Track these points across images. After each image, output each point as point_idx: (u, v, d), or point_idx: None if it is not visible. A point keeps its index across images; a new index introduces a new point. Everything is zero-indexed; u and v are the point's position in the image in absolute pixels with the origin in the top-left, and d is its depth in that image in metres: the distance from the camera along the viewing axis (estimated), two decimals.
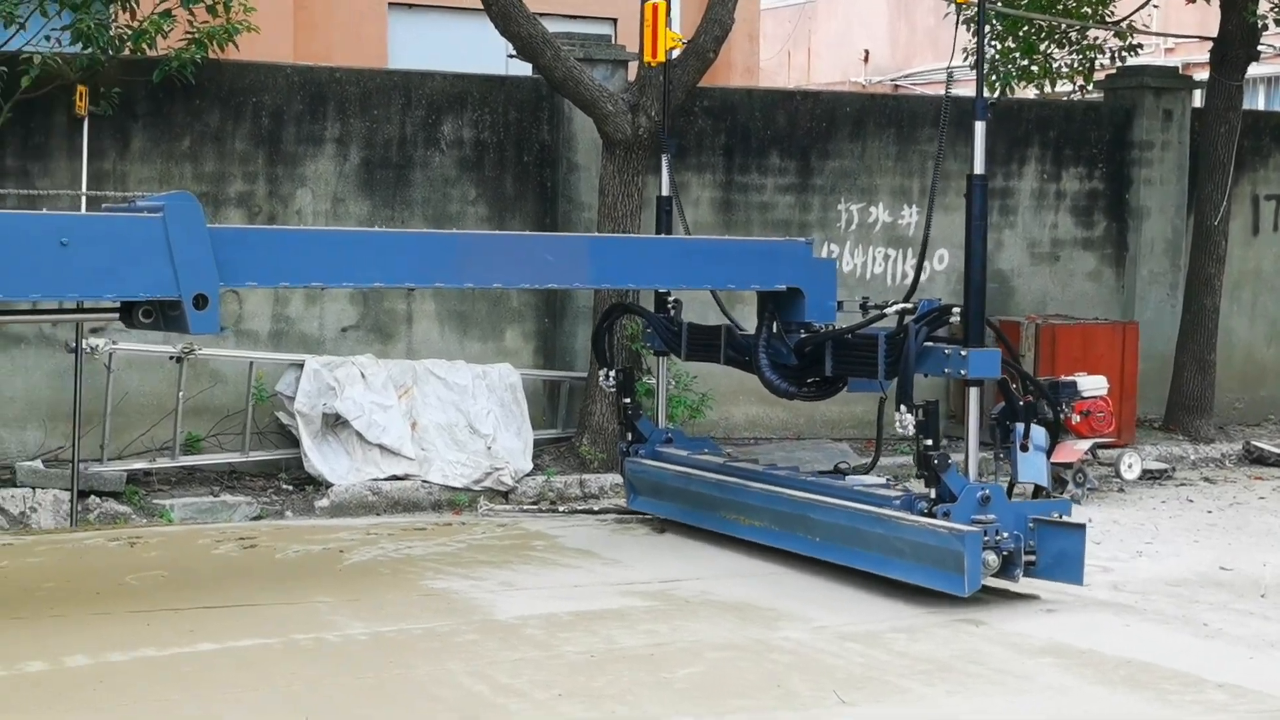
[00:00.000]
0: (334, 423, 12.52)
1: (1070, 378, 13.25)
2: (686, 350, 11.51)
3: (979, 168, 9.41)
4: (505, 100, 13.96)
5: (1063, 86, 17.57)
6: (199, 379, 12.73)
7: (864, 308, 10.59)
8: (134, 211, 8.39)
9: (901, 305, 10.12)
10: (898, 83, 30.32)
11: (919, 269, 10.43)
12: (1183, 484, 14.04)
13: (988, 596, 9.42)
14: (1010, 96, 16.86)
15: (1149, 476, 13.99)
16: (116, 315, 8.54)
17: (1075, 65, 17.02)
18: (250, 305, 13.06)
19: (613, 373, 11.68)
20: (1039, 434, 9.79)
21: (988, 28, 17.21)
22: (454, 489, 12.48)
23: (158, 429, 12.60)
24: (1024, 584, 9.47)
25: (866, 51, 31.98)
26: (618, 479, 12.35)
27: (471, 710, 7.23)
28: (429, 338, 13.66)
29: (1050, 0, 16.07)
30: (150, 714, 7.13)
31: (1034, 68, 16.92)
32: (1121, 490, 13.52)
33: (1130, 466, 13.58)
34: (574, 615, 8.92)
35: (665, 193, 11.85)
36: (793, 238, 12.10)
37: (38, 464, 11.90)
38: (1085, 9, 16.50)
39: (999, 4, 16.81)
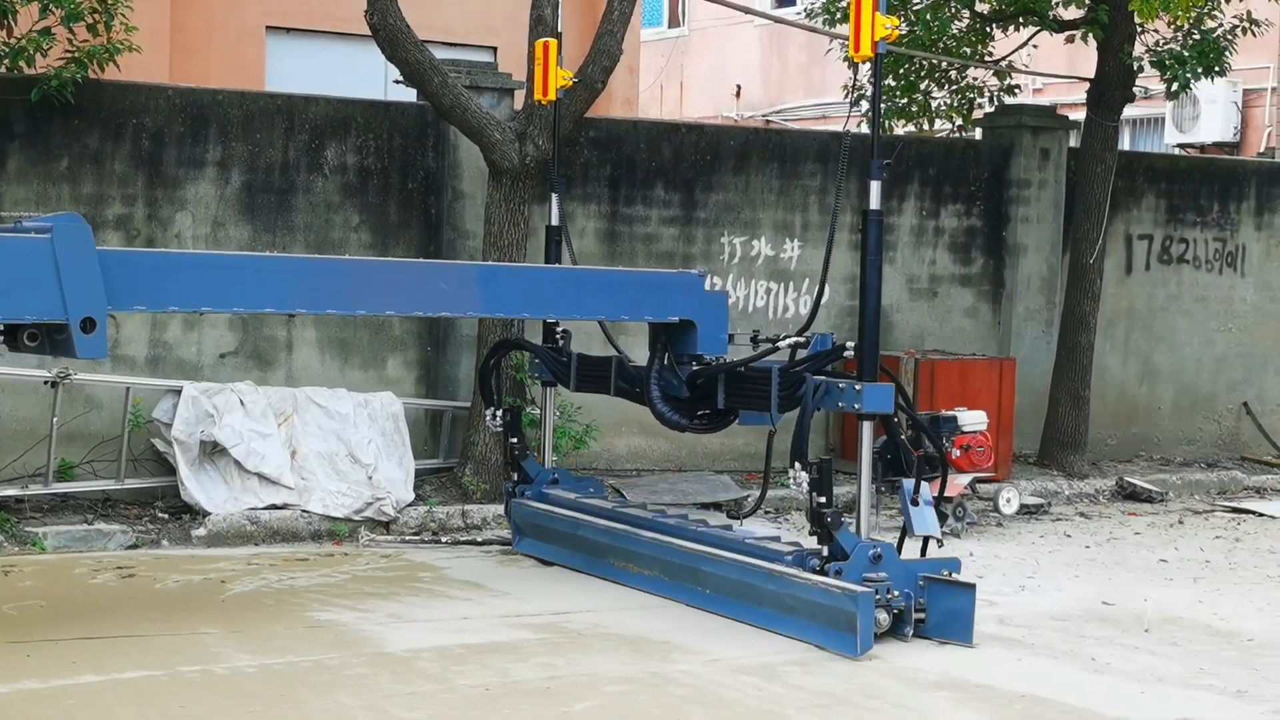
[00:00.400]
0: (212, 450, 12.29)
1: (951, 412, 13.33)
2: (576, 381, 11.44)
3: (875, 203, 9.40)
4: (390, 126, 13.83)
5: (940, 125, 17.75)
6: (74, 404, 12.45)
7: (755, 340, 10.60)
8: (21, 232, 8.20)
9: (794, 339, 10.10)
10: (769, 118, 30.47)
11: (816, 303, 10.36)
12: (1059, 519, 14.17)
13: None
14: (889, 134, 16.99)
15: (1026, 511, 14.11)
16: (0, 339, 8.32)
17: (954, 104, 17.19)
18: (128, 330, 12.80)
19: (499, 412, 11.58)
20: (925, 486, 9.74)
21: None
22: (335, 519, 12.29)
23: (30, 455, 12.29)
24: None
25: (739, 86, 32.11)
26: (500, 510, 12.23)
27: None
28: (309, 365, 13.47)
29: (930, 39, 16.22)
30: None
31: (913, 107, 17.06)
32: (1000, 525, 13.61)
33: (1009, 501, 13.69)
34: (466, 648, 8.82)
35: (554, 222, 11.80)
36: (683, 269, 12.04)
37: None
38: (965, 49, 16.67)
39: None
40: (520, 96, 13.59)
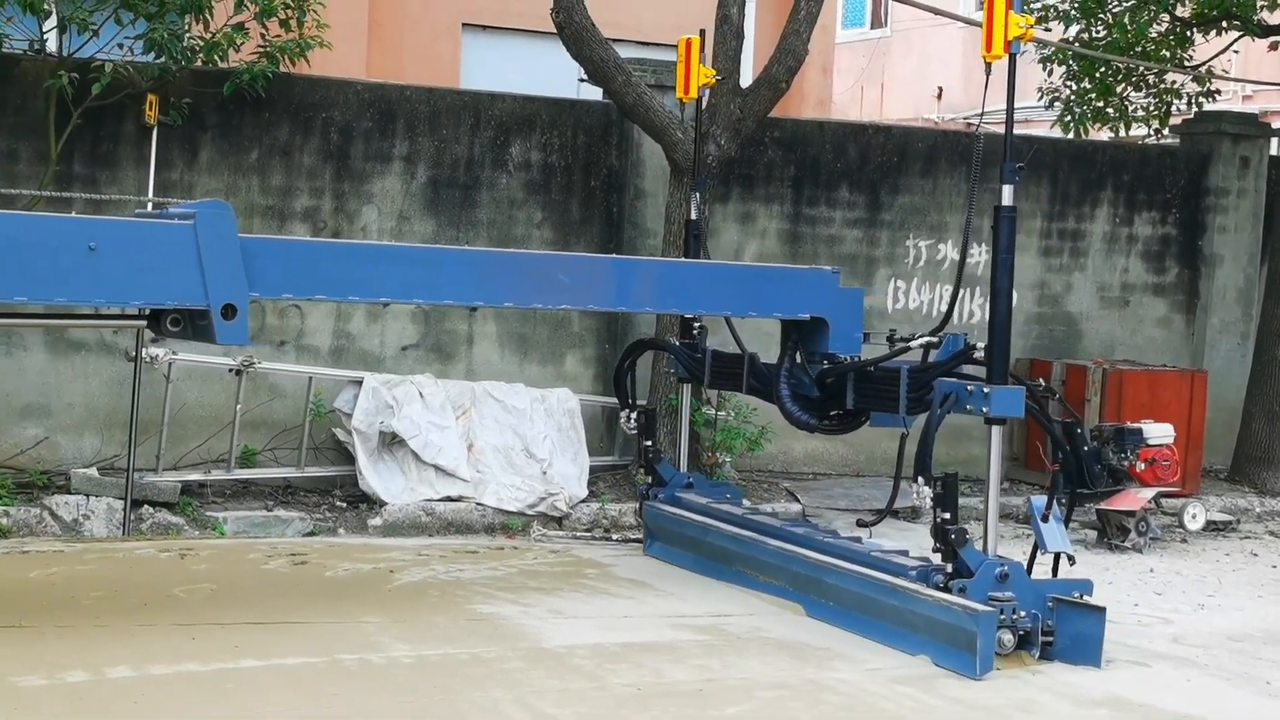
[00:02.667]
0: (390, 441, 12.45)
1: (1136, 424, 13.06)
2: (710, 378, 11.24)
3: (1007, 200, 9.06)
4: (574, 124, 13.90)
5: (1137, 130, 17.40)
6: (258, 392, 12.69)
7: (890, 340, 10.28)
8: (165, 218, 8.30)
9: (927, 339, 9.81)
10: (971, 120, 30.10)
11: (952, 302, 9.90)
12: (1247, 537, 13.79)
13: None
14: (1084, 138, 16.70)
15: (1213, 528, 13.76)
16: (145, 322, 8.46)
17: (1151, 109, 16.83)
18: (312, 321, 13.02)
19: (633, 414, 11.50)
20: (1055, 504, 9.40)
21: (1063, 69, 17.09)
22: (508, 512, 12.38)
23: (214, 441, 12.56)
24: None
25: (940, 88, 31.79)
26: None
27: None
28: (489, 359, 13.58)
29: (1128, 43, 15.89)
30: None
31: (1109, 110, 16.75)
32: (1184, 541, 13.29)
33: (1194, 517, 13.36)
34: (623, 646, 8.81)
35: (694, 216, 11.64)
36: (819, 266, 11.64)
37: (93, 471, 11.86)
38: (1164, 52, 16.32)
39: (1076, 45, 16.69)
40: (704, 95, 13.55)
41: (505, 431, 12.89)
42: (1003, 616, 8.67)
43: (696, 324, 11.44)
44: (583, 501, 12.74)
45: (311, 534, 11.78)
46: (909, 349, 9.96)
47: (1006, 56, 8.94)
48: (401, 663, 8.25)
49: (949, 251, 15.11)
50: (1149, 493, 12.86)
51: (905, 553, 9.65)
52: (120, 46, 12.17)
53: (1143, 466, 12.89)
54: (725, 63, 12.92)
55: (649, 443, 11.58)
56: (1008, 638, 8.71)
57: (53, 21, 12.34)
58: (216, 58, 12.32)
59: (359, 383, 12.57)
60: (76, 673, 7.72)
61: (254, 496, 12.39)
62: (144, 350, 11.66)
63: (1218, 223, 16.13)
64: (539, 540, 12.05)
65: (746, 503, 11.84)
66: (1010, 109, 9.12)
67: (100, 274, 7.85)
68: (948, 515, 8.86)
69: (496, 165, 13.60)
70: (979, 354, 9.12)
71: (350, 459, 12.58)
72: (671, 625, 9.40)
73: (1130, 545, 12.66)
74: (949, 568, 8.86)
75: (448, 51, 18.32)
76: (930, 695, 8.16)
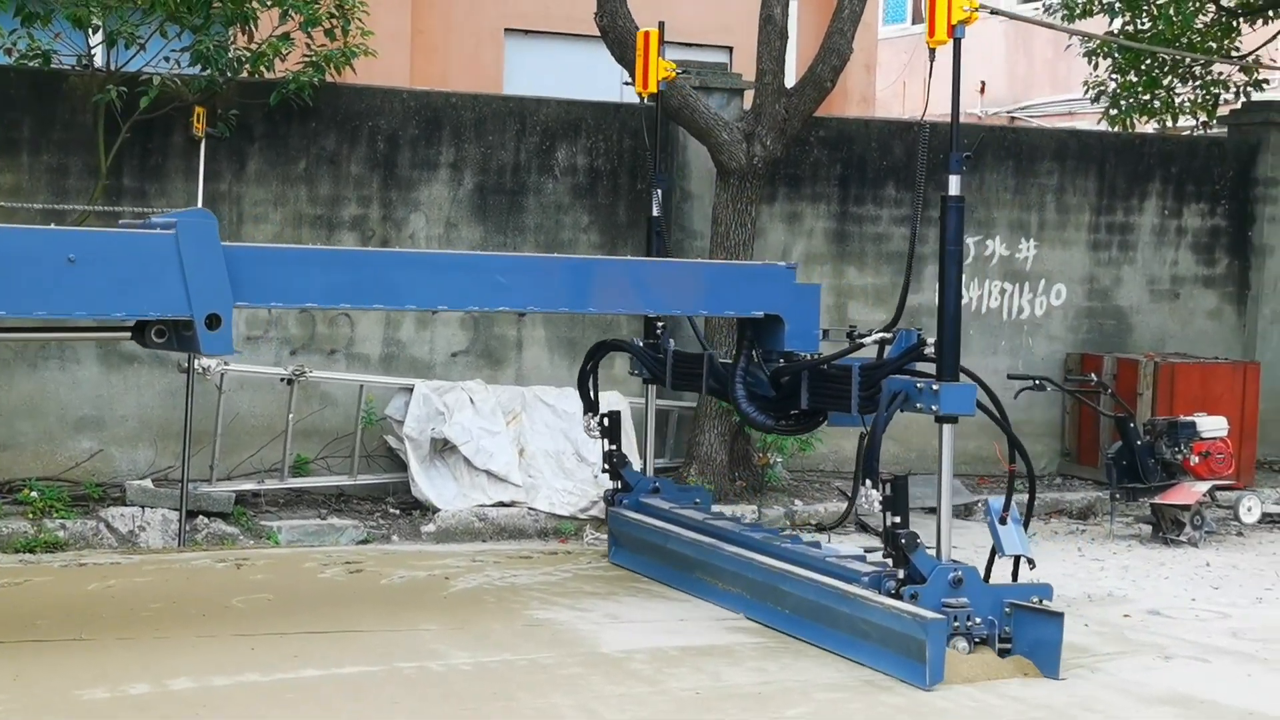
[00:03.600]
0: (442, 448, 12.48)
1: (1189, 418, 13.01)
2: (671, 379, 10.98)
3: (954, 190, 8.69)
4: (620, 128, 13.90)
5: (1185, 122, 17.31)
6: (309, 401, 12.74)
7: (850, 336, 9.84)
8: (147, 228, 8.16)
9: (881, 334, 9.46)
10: (1014, 115, 29.98)
11: (904, 294, 9.43)
12: None
13: (1102, 642, 9.23)
14: (1131, 131, 16.62)
15: (1269, 521, 13.67)
16: (129, 335, 8.31)
17: (1198, 100, 16.74)
18: (362, 329, 13.06)
19: (596, 418, 11.27)
20: (1014, 504, 8.99)
21: (1109, 62, 17.01)
22: (560, 517, 12.39)
23: (267, 450, 12.62)
24: (1140, 628, 9.23)
25: (983, 83, 31.64)
26: (726, 509, 12.18)
27: None
28: (538, 364, 13.60)
29: (1174, 34, 15.80)
30: None
31: (1155, 102, 16.66)
32: (1240, 534, 13.22)
33: (1249, 510, 13.28)
34: (681, 650, 8.81)
35: (654, 213, 11.44)
36: (781, 263, 11.08)
37: (147, 483, 11.93)
38: (1210, 43, 16.22)
39: (1121, 37, 16.60)
40: (749, 97, 13.54)
41: (556, 436, 12.90)
42: (956, 624, 8.37)
43: (660, 323, 11.17)
44: None
45: (365, 541, 11.82)
46: (862, 345, 9.59)
47: (951, 41, 8.70)
48: (460, 670, 8.27)
49: (997, 248, 15.06)
50: (1203, 486, 12.80)
51: (862, 558, 9.23)
52: (167, 59, 12.23)
53: (1196, 460, 12.85)
54: (769, 63, 12.91)
55: (614, 447, 11.26)
56: (963, 645, 8.38)
57: (100, 36, 12.43)
58: (262, 68, 12.37)
59: (410, 390, 12.61)
60: (139, 685, 7.76)
61: (307, 505, 12.44)
62: (196, 362, 11.72)
63: (1268, 213, 16.03)
64: (592, 544, 12.05)
65: (733, 510, 11.62)
66: (956, 94, 8.75)
67: (80, 286, 7.68)
68: (898, 519, 8.49)
69: (542, 170, 13.62)
70: (929, 349, 8.79)
71: (402, 466, 12.62)
72: (727, 628, 9.40)
73: (1185, 539, 12.60)
74: (900, 573, 8.51)
75: (491, 57, 18.35)
76: (989, 694, 8.13)
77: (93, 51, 12.52)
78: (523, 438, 12.76)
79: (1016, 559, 9.05)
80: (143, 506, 11.58)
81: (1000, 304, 15.15)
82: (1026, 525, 9.02)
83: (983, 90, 31.63)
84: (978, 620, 8.46)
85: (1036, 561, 9.24)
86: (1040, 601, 8.58)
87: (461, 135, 13.36)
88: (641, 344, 11.33)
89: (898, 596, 8.44)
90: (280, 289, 8.54)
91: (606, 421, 11.29)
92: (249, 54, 12.35)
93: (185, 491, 11.59)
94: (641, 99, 11.98)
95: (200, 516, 11.66)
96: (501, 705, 7.68)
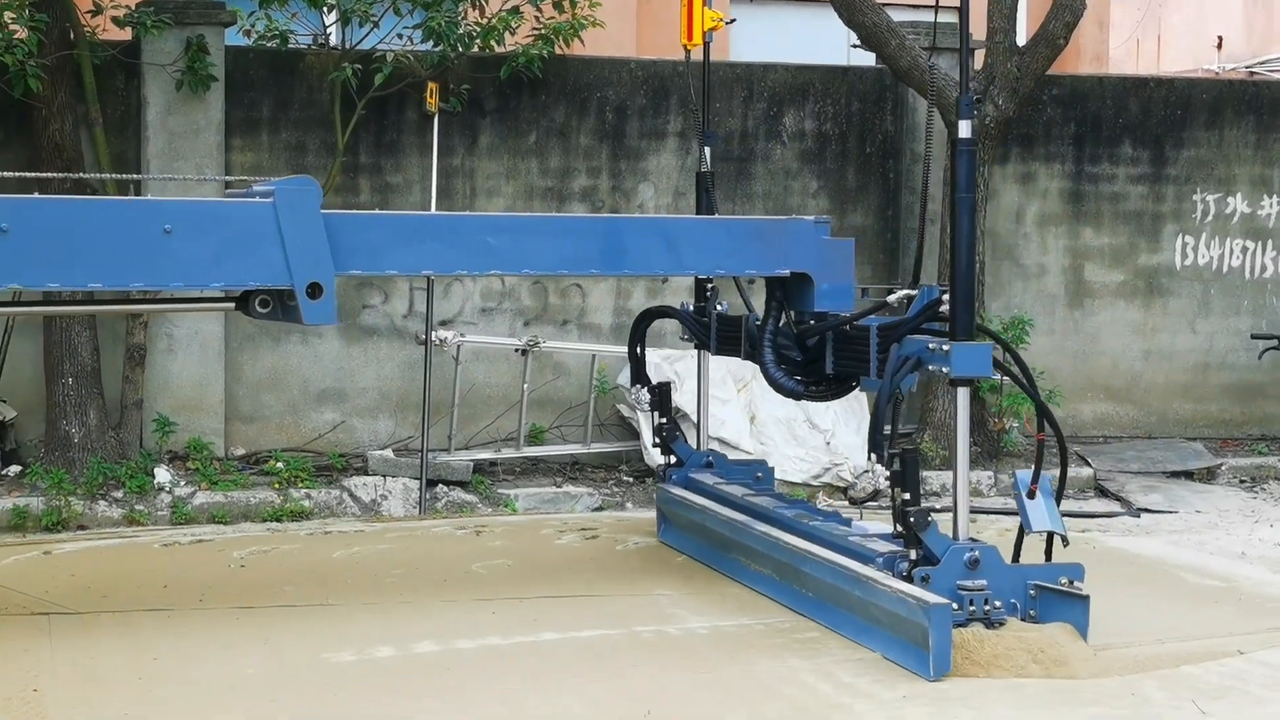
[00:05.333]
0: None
1: None
2: (715, 344, 10.38)
3: (965, 133, 7.98)
4: (848, 91, 13.81)
5: None
6: (543, 371, 12.89)
7: (888, 293, 9.26)
8: (246, 197, 8.08)
9: (905, 292, 8.76)
10: (1254, 70, 29.17)
11: (920, 249, 9.08)
12: None
13: None
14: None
15: None
16: (233, 305, 8.19)
17: None
18: (593, 299, 13.17)
19: (645, 389, 10.74)
20: (1045, 478, 8.16)
21: None
22: (792, 484, 12.36)
23: (503, 420, 12.80)
24: None
25: (1220, 38, 30.82)
26: (975, 475, 11.93)
27: (815, 709, 7.12)
28: None
29: None
30: (494, 704, 7.17)
31: None
32: None
33: None
34: None
35: (703, 169, 10.84)
36: (810, 216, 10.04)
37: (388, 453, 12.19)
38: None
39: None
40: (981, 56, 13.34)
41: (787, 403, 12.81)
42: (972, 608, 7.74)
43: (710, 284, 10.58)
44: (867, 471, 12.62)
45: (600, 509, 11.93)
46: (885, 304, 8.91)
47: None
48: (697, 634, 8.30)
49: (1238, 205, 14.65)
50: None
51: (887, 537, 8.38)
52: (400, 36, 12.45)
53: None
54: (1000, 21, 12.72)
55: (664, 420, 10.71)
56: (979, 630, 7.72)
57: (335, 15, 12.68)
58: (493, 43, 12.52)
59: None
60: (384, 648, 7.92)
61: (543, 473, 12.59)
62: (433, 333, 11.92)
63: None
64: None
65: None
66: (964, 41, 8.41)
67: (177, 257, 7.59)
68: (908, 496, 7.87)
69: (770, 136, 13.58)
70: (945, 306, 8.04)
71: (635, 434, 12.70)
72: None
73: None
74: (913, 554, 7.88)
75: None
76: (1234, 659, 7.92)
77: (328, 30, 12.79)
78: (754, 405, 12.76)
79: (1050, 537, 8.29)
80: (384, 476, 11.84)
81: (1242, 263, 14.74)
82: (1059, 500, 8.20)
83: (1220, 45, 30.81)
84: (998, 604, 7.80)
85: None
86: (1071, 583, 7.87)
87: (688, 104, 13.37)
88: (690, 308, 10.77)
89: (909, 579, 7.85)
90: (385, 255, 8.26)
91: (658, 393, 10.75)
92: (479, 29, 12.50)
93: (425, 461, 11.81)
94: (687, 51, 11.23)
95: (440, 485, 11.88)
96: (739, 669, 7.69)
